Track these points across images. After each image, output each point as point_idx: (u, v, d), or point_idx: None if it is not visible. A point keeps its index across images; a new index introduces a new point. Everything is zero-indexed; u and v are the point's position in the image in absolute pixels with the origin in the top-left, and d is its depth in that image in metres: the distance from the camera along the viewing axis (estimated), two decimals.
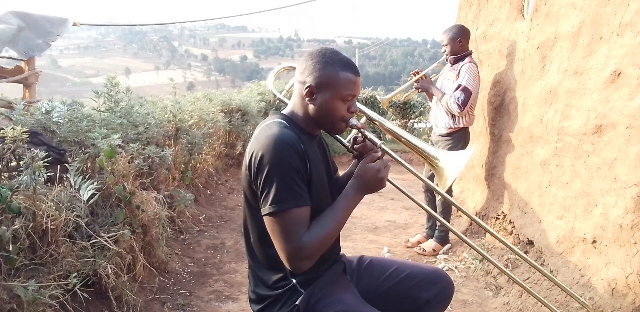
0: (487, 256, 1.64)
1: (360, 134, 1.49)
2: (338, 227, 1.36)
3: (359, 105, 1.57)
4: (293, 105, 1.46)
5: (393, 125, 1.76)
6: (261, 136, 1.34)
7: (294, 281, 1.41)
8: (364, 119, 1.69)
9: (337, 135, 1.58)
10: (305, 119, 1.43)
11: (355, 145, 1.50)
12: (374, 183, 1.39)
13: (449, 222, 3.40)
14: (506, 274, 1.61)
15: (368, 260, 1.65)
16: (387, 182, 1.46)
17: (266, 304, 1.44)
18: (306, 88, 1.38)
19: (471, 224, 3.63)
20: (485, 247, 3.10)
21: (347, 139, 1.57)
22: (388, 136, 6.44)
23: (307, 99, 1.39)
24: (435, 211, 3.31)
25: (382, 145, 1.48)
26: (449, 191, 3.37)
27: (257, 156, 1.31)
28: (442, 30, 3.32)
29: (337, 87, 1.36)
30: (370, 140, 1.48)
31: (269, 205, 1.28)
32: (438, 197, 3.34)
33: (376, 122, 1.72)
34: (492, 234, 1.62)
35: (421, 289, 1.54)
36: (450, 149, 3.21)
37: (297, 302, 1.38)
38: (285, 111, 1.48)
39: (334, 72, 1.36)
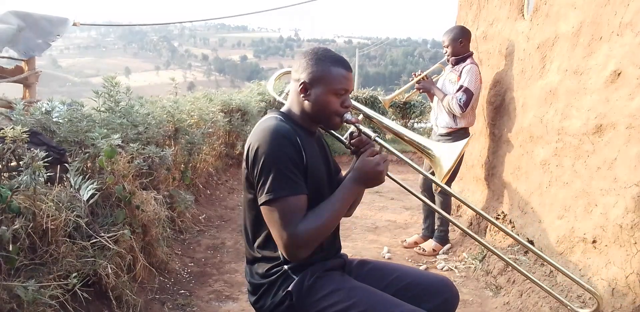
0: (493, 249, 1.64)
1: (356, 129, 1.51)
2: (335, 217, 1.36)
3: (356, 103, 1.60)
4: (290, 103, 1.50)
5: (389, 121, 1.81)
6: (257, 130, 1.39)
7: (285, 267, 1.42)
8: (361, 116, 1.71)
9: (334, 132, 1.62)
10: (301, 115, 1.46)
11: (351, 141, 1.52)
12: (373, 176, 1.39)
13: (448, 223, 3.40)
14: (512, 266, 1.58)
15: (370, 265, 1.61)
16: (388, 181, 1.46)
17: (261, 293, 1.45)
18: (300, 84, 1.42)
19: (471, 224, 3.63)
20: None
21: (345, 136, 1.60)
22: (389, 136, 6.44)
23: (301, 95, 1.43)
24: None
25: (377, 138, 1.51)
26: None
27: (253, 148, 1.35)
28: (443, 30, 3.33)
29: (330, 82, 1.40)
30: (365, 133, 1.50)
31: (265, 193, 1.30)
32: (437, 197, 3.34)
33: (374, 120, 1.75)
34: (492, 223, 1.61)
35: (424, 299, 1.47)
36: None
37: (289, 288, 1.39)
38: (282, 109, 1.52)
39: (326, 67, 1.40)
